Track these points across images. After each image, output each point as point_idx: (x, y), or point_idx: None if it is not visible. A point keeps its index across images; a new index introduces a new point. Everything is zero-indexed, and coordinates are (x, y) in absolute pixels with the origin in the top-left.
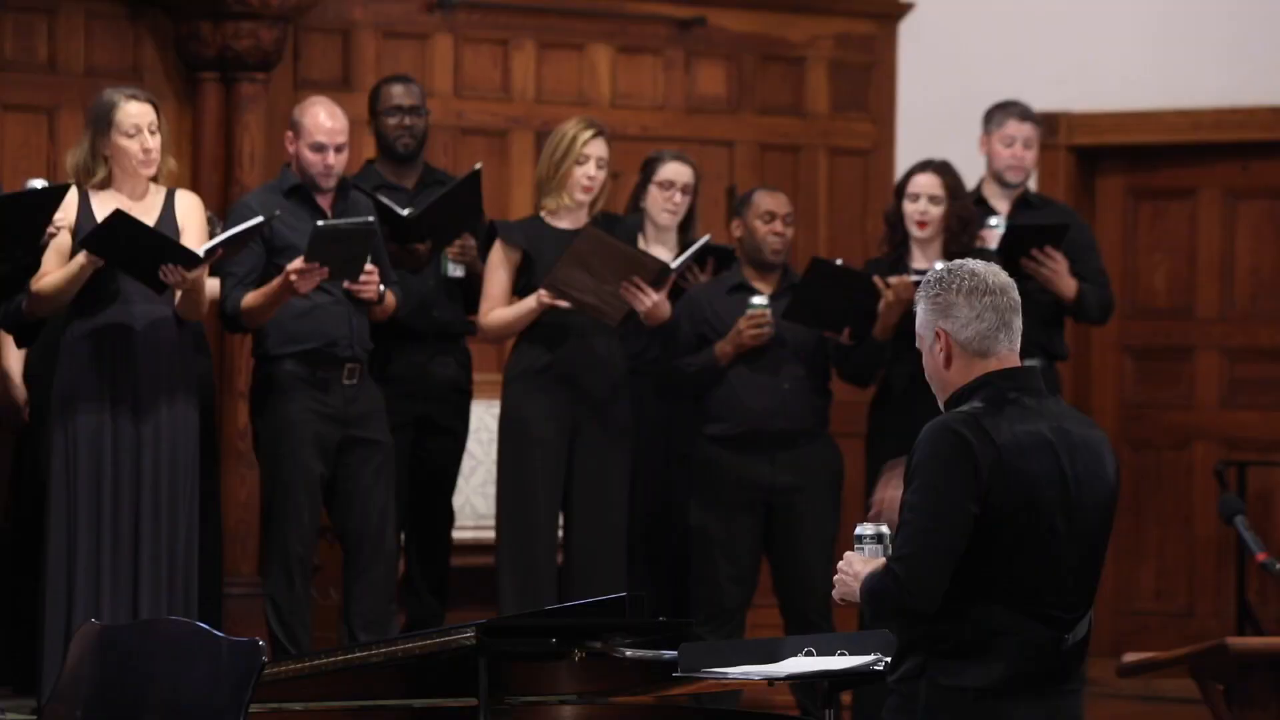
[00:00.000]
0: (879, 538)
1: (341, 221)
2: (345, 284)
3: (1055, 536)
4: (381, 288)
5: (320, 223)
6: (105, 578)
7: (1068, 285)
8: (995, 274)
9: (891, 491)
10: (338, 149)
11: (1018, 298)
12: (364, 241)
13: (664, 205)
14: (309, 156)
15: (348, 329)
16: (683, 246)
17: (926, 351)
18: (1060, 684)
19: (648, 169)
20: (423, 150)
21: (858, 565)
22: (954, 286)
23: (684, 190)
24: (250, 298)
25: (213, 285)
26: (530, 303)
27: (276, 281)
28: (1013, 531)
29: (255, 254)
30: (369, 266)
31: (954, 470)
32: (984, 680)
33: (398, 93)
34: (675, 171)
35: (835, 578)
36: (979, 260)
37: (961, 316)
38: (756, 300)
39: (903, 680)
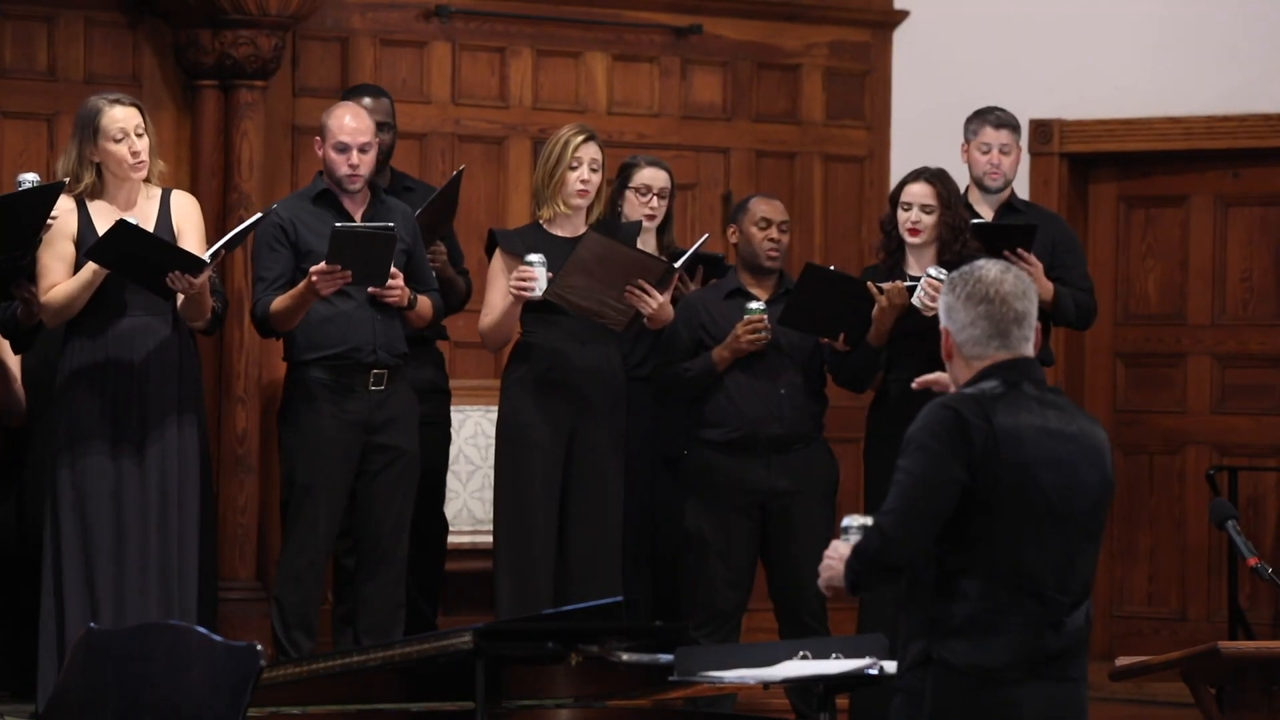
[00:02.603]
0: (865, 528)
1: (360, 225)
2: (370, 290)
3: (1052, 517)
4: (412, 295)
5: (338, 225)
6: (103, 584)
7: (1044, 288)
8: (1001, 283)
9: None
10: (361, 149)
11: (1024, 307)
12: (384, 246)
13: (641, 210)
14: (333, 157)
15: (371, 334)
16: (661, 249)
17: (941, 347)
18: (1063, 669)
19: (623, 175)
20: (389, 161)
21: (844, 550)
22: (958, 290)
23: (660, 195)
24: (278, 302)
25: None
26: (505, 302)
27: (301, 285)
28: (1009, 509)
29: (284, 259)
30: (392, 271)
31: (945, 437)
32: (988, 659)
33: (365, 105)
34: (651, 177)
35: (821, 565)
36: (998, 264)
37: (959, 320)
38: (753, 305)
39: (910, 671)
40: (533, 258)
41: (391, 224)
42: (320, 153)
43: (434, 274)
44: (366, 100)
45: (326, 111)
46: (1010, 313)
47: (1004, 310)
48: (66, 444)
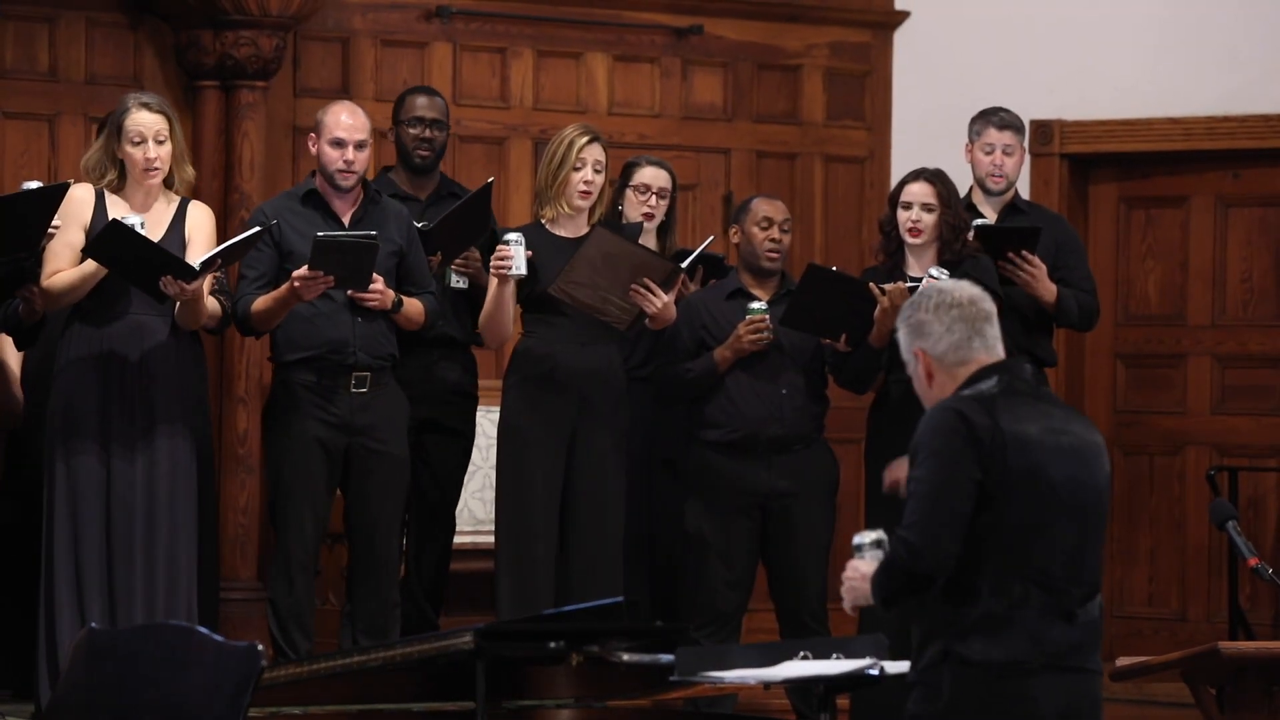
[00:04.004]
0: (878, 543)
1: (342, 234)
2: (348, 293)
3: (1062, 509)
4: (397, 298)
5: (319, 235)
6: (91, 583)
7: (1047, 289)
8: (963, 289)
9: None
10: (357, 146)
11: (990, 308)
12: (367, 254)
13: (639, 209)
14: (329, 153)
15: (350, 335)
16: (662, 250)
17: (913, 376)
18: (1079, 660)
19: (625, 174)
20: (440, 163)
21: (864, 568)
22: (922, 306)
23: (659, 194)
24: (260, 303)
25: (212, 305)
26: (492, 288)
27: (283, 288)
28: (1019, 502)
29: (268, 258)
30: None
31: (954, 439)
32: (1007, 653)
33: (421, 104)
34: (650, 176)
35: (843, 588)
36: (949, 281)
37: (934, 332)
38: (755, 305)
39: (926, 669)
40: (510, 236)
41: (373, 233)
42: (314, 149)
43: (467, 280)
44: (422, 99)
45: (323, 109)
46: (980, 312)
47: (974, 310)
48: (61, 439)
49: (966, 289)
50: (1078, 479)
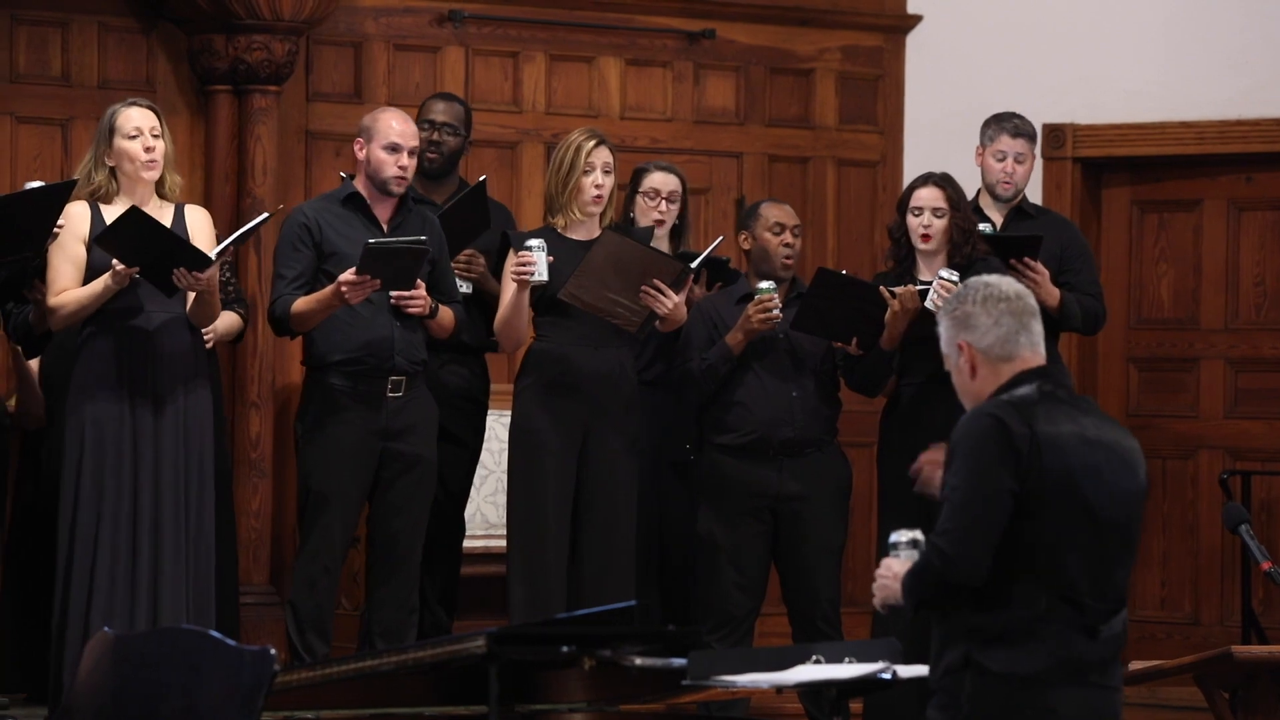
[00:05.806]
0: (914, 543)
1: (393, 241)
2: (391, 297)
3: (1092, 524)
4: (434, 304)
5: (371, 241)
6: (118, 584)
7: (1050, 294)
8: (1009, 283)
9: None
10: (411, 152)
11: (1034, 304)
12: (415, 259)
13: (650, 215)
14: (384, 158)
15: (390, 340)
16: (675, 254)
17: (954, 369)
18: (1101, 676)
19: (635, 179)
20: (455, 169)
21: (897, 567)
22: (970, 298)
23: (669, 199)
24: (301, 303)
25: (232, 319)
26: (510, 292)
27: (328, 290)
28: (1052, 515)
29: (306, 259)
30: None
31: (992, 448)
32: (1029, 667)
33: (436, 109)
34: (659, 181)
35: (875, 585)
36: (992, 275)
37: (981, 325)
38: (763, 285)
39: (947, 674)
40: (531, 243)
41: (424, 238)
42: (361, 154)
43: (471, 285)
44: (438, 104)
45: (371, 115)
46: (1027, 307)
47: (1020, 305)
48: (79, 443)
49: (1012, 284)
50: (1113, 491)
